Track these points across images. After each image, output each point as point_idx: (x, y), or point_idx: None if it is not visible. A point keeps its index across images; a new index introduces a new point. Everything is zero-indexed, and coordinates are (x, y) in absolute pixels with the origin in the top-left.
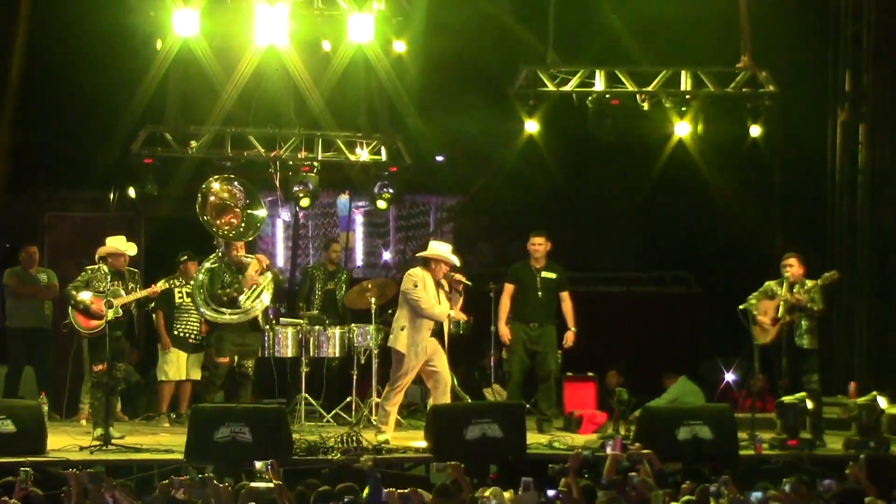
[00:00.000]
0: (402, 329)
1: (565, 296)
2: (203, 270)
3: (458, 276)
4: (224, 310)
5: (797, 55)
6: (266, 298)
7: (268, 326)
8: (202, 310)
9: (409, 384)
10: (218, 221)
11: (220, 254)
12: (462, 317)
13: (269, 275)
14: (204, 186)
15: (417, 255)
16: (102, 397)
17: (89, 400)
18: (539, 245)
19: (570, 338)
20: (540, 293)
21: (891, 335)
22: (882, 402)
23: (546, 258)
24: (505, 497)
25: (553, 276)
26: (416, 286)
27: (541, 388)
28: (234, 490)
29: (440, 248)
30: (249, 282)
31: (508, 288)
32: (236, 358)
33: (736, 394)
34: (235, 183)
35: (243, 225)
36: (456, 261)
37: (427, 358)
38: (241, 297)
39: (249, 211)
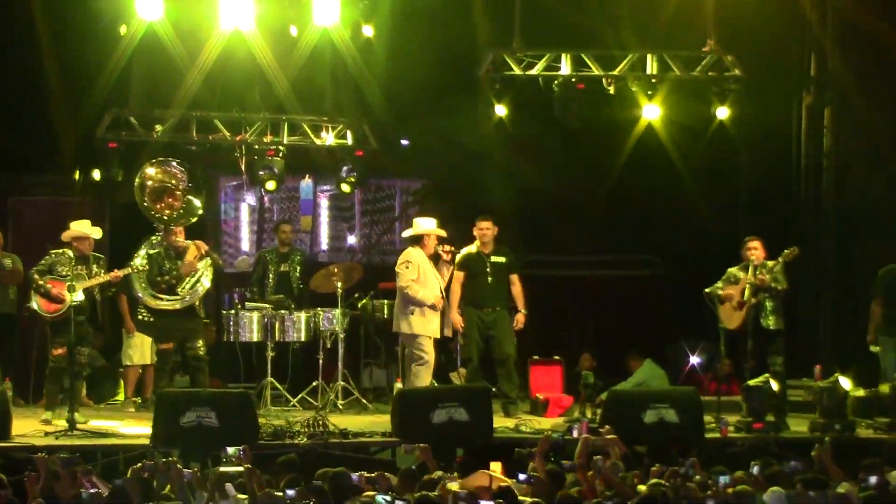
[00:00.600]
0: (412, 313)
1: (514, 279)
2: (142, 255)
3: (447, 247)
4: (163, 296)
5: (763, 39)
6: (206, 283)
7: (233, 311)
8: (140, 295)
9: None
10: (157, 206)
11: (159, 238)
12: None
13: (207, 259)
14: (140, 173)
15: (405, 234)
16: (57, 381)
17: (48, 384)
18: (486, 229)
19: (520, 320)
20: (490, 278)
21: (855, 317)
22: (846, 383)
23: (494, 242)
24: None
25: (502, 259)
26: (407, 267)
27: (500, 373)
28: (203, 475)
29: (426, 224)
30: (187, 268)
31: (458, 275)
32: (182, 343)
33: (701, 377)
34: (174, 164)
35: (183, 209)
36: (443, 232)
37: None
38: (178, 285)
39: (189, 196)
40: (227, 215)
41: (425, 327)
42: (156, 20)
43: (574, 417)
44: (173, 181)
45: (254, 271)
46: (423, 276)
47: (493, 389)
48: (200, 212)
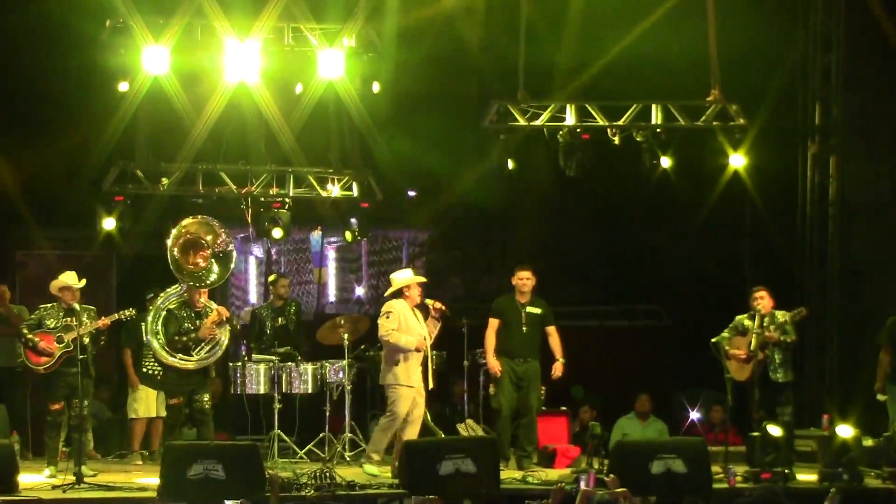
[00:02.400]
0: (397, 364)
1: (552, 330)
2: (162, 308)
3: (439, 305)
4: (177, 355)
5: (767, 89)
6: (222, 348)
7: (239, 363)
8: (153, 345)
9: (403, 417)
10: (187, 259)
11: (181, 291)
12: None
13: (227, 326)
14: (181, 224)
15: (386, 294)
16: (56, 436)
17: (46, 439)
18: (526, 279)
19: (558, 368)
20: (525, 328)
21: (862, 366)
22: (846, 431)
23: (531, 293)
24: None
25: (538, 311)
26: (388, 318)
27: (522, 424)
28: None
29: (401, 275)
30: (205, 332)
31: (493, 322)
32: (190, 396)
33: (700, 430)
34: (215, 222)
35: (203, 270)
36: (421, 278)
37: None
38: (195, 349)
39: (213, 261)
40: (235, 268)
41: (408, 378)
42: (161, 74)
43: (581, 468)
44: (209, 237)
45: (251, 328)
46: (405, 325)
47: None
48: (215, 279)
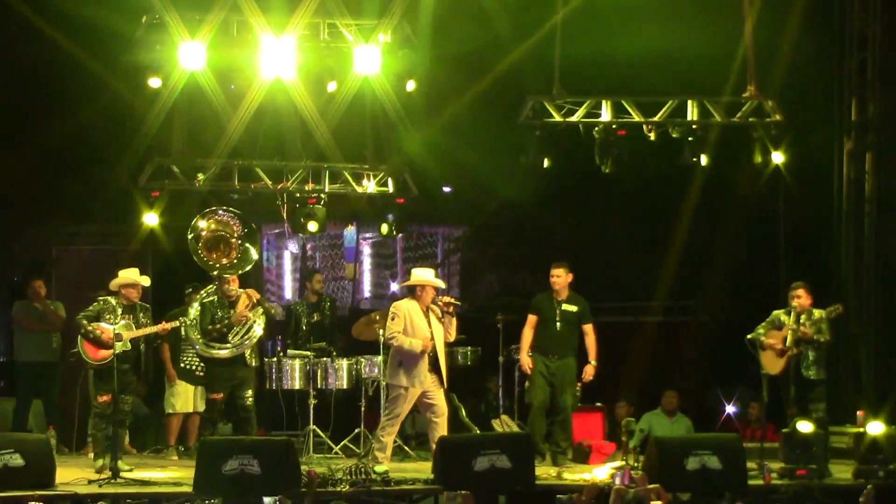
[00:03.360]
0: (400, 364)
1: (588, 329)
2: (196, 304)
3: (447, 298)
4: (214, 344)
5: (803, 85)
6: (258, 331)
7: (275, 359)
8: (197, 346)
9: (404, 416)
10: (213, 256)
11: (214, 287)
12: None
13: (259, 309)
14: (191, 226)
15: (401, 284)
16: (105, 429)
17: (93, 431)
18: (558, 277)
19: (589, 371)
20: (559, 325)
21: None
22: (878, 427)
23: (568, 290)
24: None
25: (574, 308)
26: (393, 319)
27: (556, 422)
28: None
29: (422, 274)
30: (237, 318)
31: (531, 319)
32: (231, 392)
33: (736, 425)
34: (221, 212)
35: (238, 258)
36: (441, 283)
37: (424, 389)
38: (230, 334)
39: (247, 244)
40: (270, 263)
41: (410, 379)
42: (198, 69)
43: (617, 464)
44: (227, 230)
45: (286, 323)
46: (410, 327)
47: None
48: (255, 257)
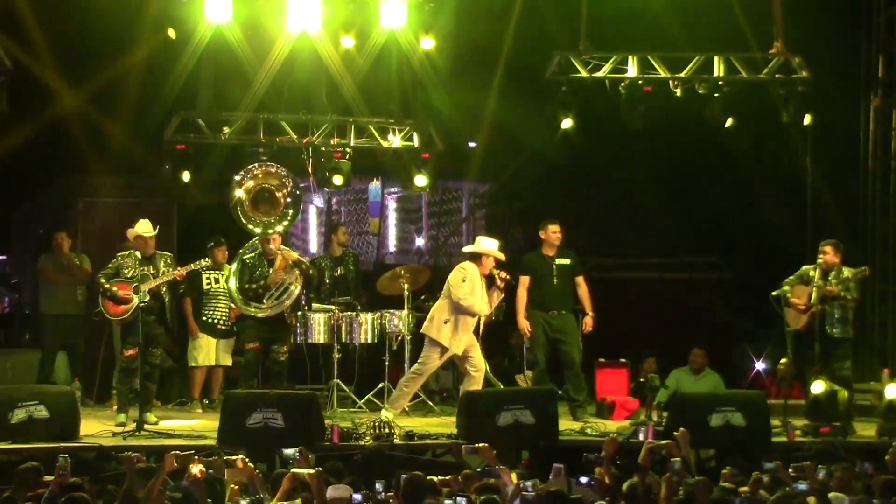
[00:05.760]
0: (446, 322)
1: (580, 280)
2: (238, 259)
3: (504, 274)
4: (251, 303)
5: (830, 41)
6: (294, 293)
7: (299, 313)
8: (234, 296)
9: (431, 372)
10: (258, 210)
11: (256, 244)
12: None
13: (296, 271)
14: (239, 181)
15: (466, 249)
16: (129, 382)
17: (118, 385)
18: (559, 233)
19: (588, 323)
20: (556, 280)
21: None
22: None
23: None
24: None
25: (567, 262)
26: (464, 280)
27: (568, 377)
28: (273, 475)
29: (489, 244)
30: (273, 279)
31: (524, 280)
32: (266, 346)
33: (765, 381)
34: (283, 171)
35: (278, 217)
36: (502, 256)
37: (465, 348)
38: (266, 295)
39: (290, 201)
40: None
41: (450, 339)
42: (224, 23)
43: (640, 420)
44: (274, 182)
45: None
46: (475, 291)
47: (560, 392)
48: (286, 224)
